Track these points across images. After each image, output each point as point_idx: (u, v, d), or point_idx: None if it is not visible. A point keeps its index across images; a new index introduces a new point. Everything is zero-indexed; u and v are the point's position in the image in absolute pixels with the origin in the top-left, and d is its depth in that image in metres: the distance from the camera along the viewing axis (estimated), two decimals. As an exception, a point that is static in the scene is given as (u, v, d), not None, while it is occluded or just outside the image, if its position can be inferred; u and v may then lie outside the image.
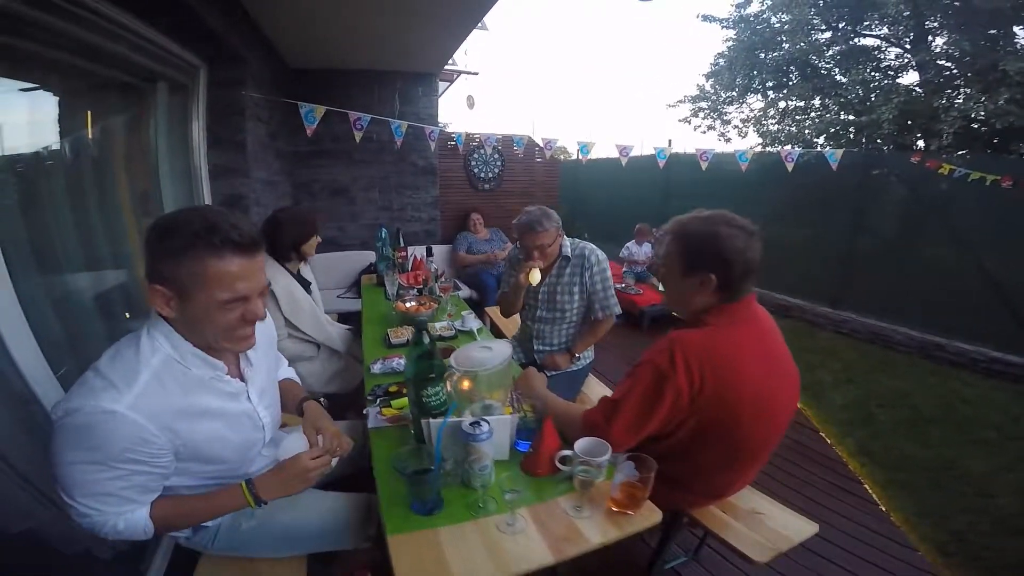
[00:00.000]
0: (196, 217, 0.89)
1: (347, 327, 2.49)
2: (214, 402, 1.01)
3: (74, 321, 1.70)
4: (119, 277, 2.07)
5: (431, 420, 1.13)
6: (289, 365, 2.07)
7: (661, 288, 4.65)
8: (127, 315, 2.08)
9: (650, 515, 1.10)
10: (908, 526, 2.09)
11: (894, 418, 3.04)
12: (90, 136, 1.97)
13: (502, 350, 1.28)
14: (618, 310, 2.16)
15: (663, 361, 1.15)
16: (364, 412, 1.45)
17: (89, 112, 1.94)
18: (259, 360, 1.17)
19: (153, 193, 2.40)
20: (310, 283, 2.30)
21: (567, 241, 2.15)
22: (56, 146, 1.79)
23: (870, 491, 2.32)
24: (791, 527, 1.36)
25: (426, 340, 1.17)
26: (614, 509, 1.09)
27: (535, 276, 2.05)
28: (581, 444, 1.15)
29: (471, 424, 1.09)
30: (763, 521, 1.37)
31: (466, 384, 1.33)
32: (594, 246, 2.15)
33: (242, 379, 1.11)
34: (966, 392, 3.42)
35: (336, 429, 1.27)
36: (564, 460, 1.16)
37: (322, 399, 1.44)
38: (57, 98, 1.77)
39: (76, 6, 1.46)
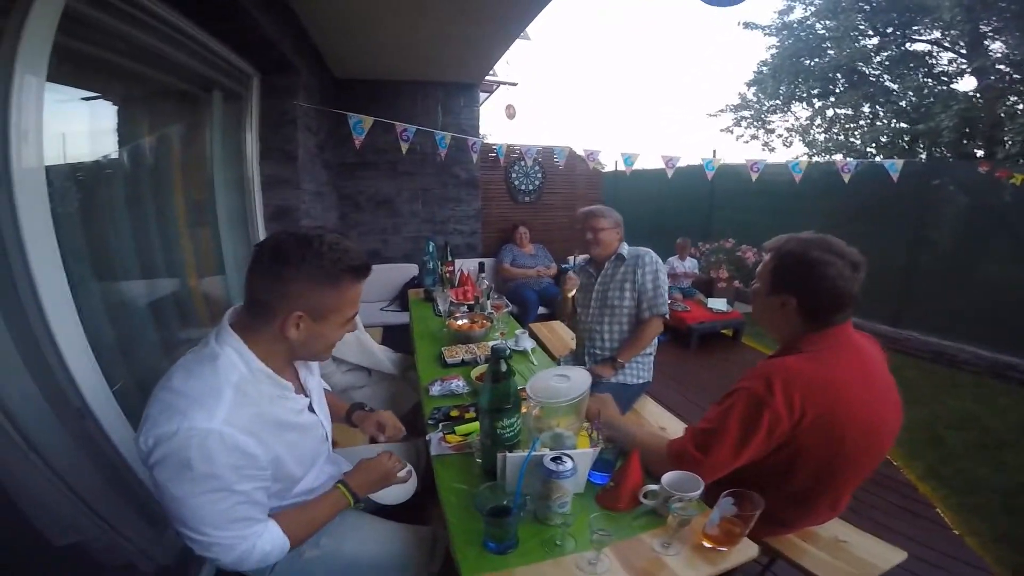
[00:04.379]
0: (336, 245, 0.94)
1: (394, 351, 2.43)
2: (287, 416, 1.01)
3: (129, 332, 1.69)
4: (172, 286, 2.08)
5: (507, 454, 1.03)
6: (342, 393, 2.05)
7: (712, 306, 4.52)
8: (180, 325, 2.07)
9: (746, 550, 1.00)
10: (983, 551, 1.99)
11: (965, 441, 2.88)
12: (148, 144, 1.99)
13: (581, 379, 1.17)
14: (665, 310, 2.17)
15: (759, 387, 1.07)
16: (427, 438, 1.36)
17: (148, 121, 1.96)
18: (314, 368, 1.19)
19: (207, 203, 2.41)
20: None
21: (626, 246, 2.25)
22: (115, 154, 1.80)
23: (942, 515, 2.22)
24: (877, 555, 1.28)
25: (504, 367, 1.08)
26: (707, 545, 1.00)
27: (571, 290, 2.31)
28: (669, 478, 1.05)
29: (553, 460, 0.99)
30: (848, 549, 1.29)
31: (535, 412, 1.24)
32: (650, 250, 2.23)
33: (305, 393, 1.11)
34: (1042, 414, 3.17)
35: (389, 414, 1.42)
36: (647, 494, 1.08)
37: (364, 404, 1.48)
38: (116, 107, 1.78)
39: (137, 9, 1.47)
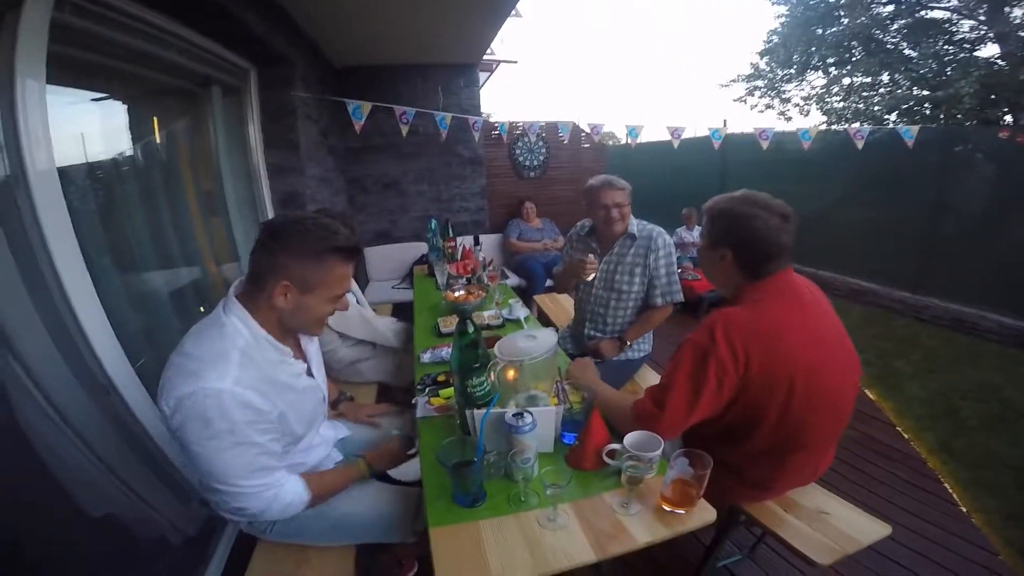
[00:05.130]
0: (327, 226, 1.03)
1: (397, 320, 2.52)
2: (287, 379, 1.11)
3: (149, 316, 1.82)
4: (191, 274, 2.19)
5: (475, 411, 1.12)
6: (348, 366, 2.16)
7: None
8: (201, 309, 2.20)
9: (703, 514, 1.04)
10: (990, 528, 1.92)
11: (981, 413, 2.77)
12: (155, 142, 2.09)
13: (547, 339, 1.25)
14: (680, 297, 2.06)
15: (702, 337, 1.14)
16: (413, 402, 1.47)
17: (152, 119, 2.06)
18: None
19: (217, 193, 2.53)
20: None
21: (634, 220, 2.07)
22: (128, 151, 1.91)
23: (950, 490, 2.15)
24: (860, 528, 1.26)
25: (471, 329, 1.16)
26: (665, 507, 1.04)
27: (590, 275, 1.99)
28: (631, 438, 1.10)
29: (514, 415, 1.07)
30: (828, 521, 1.29)
31: (511, 374, 1.32)
32: (662, 229, 2.06)
33: (304, 358, 1.21)
34: (1068, 385, 3.04)
35: (381, 407, 1.64)
36: (612, 454, 1.13)
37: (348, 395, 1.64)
38: (119, 108, 1.87)
39: (124, 16, 1.55)
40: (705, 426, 1.21)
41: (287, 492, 1.06)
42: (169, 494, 1.54)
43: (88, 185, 1.67)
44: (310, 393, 1.20)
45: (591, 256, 1.96)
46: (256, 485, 1.00)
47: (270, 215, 2.80)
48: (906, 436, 2.57)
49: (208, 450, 0.93)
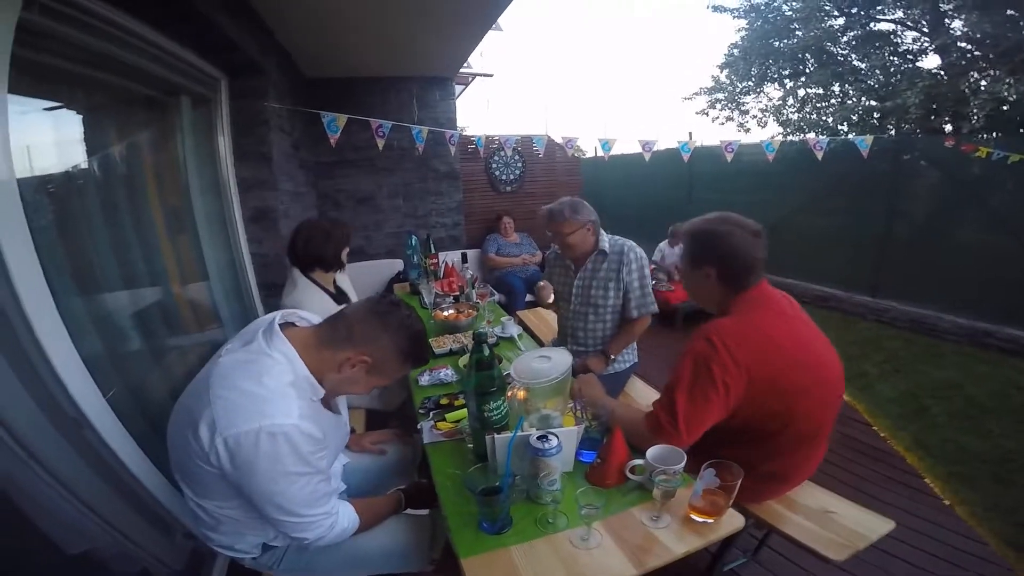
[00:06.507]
0: (424, 337, 1.12)
1: None
2: (321, 415, 1.08)
3: (117, 341, 1.68)
4: (155, 294, 2.05)
5: (496, 436, 1.07)
6: None
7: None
8: (168, 332, 2.06)
9: (732, 521, 1.05)
10: (975, 520, 2.00)
11: (948, 410, 2.91)
12: (119, 154, 1.95)
13: (562, 360, 1.22)
14: (655, 309, 2.11)
15: (702, 346, 1.19)
16: (418, 427, 1.40)
17: (115, 130, 1.92)
18: None
19: (184, 209, 2.39)
20: (347, 295, 2.23)
21: (606, 236, 2.11)
22: (85, 164, 1.76)
23: (931, 485, 2.23)
24: (865, 524, 1.31)
25: (486, 352, 1.12)
26: (694, 517, 1.05)
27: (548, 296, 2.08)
28: (653, 453, 1.10)
29: (539, 438, 1.03)
30: (835, 519, 1.33)
31: (521, 394, 1.28)
32: (634, 243, 2.11)
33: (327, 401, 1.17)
34: (1022, 380, 3.24)
35: (384, 433, 1.60)
36: (634, 469, 1.13)
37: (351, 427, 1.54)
38: (81, 116, 1.73)
39: (93, 18, 1.45)
40: (710, 431, 1.23)
41: (343, 518, 1.08)
42: (150, 527, 1.43)
43: (46, 200, 1.53)
44: (339, 427, 1.21)
45: (542, 282, 2.15)
46: (319, 514, 1.01)
47: (241, 231, 2.67)
48: (882, 435, 2.67)
49: (279, 485, 0.93)
